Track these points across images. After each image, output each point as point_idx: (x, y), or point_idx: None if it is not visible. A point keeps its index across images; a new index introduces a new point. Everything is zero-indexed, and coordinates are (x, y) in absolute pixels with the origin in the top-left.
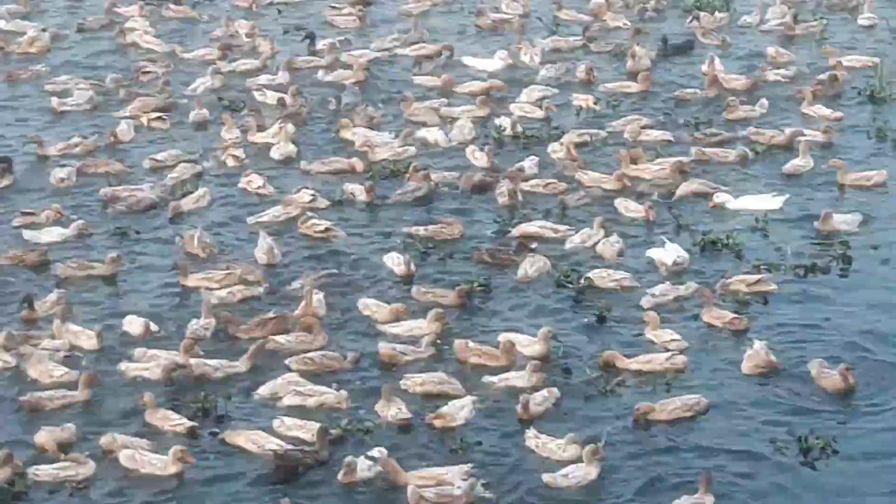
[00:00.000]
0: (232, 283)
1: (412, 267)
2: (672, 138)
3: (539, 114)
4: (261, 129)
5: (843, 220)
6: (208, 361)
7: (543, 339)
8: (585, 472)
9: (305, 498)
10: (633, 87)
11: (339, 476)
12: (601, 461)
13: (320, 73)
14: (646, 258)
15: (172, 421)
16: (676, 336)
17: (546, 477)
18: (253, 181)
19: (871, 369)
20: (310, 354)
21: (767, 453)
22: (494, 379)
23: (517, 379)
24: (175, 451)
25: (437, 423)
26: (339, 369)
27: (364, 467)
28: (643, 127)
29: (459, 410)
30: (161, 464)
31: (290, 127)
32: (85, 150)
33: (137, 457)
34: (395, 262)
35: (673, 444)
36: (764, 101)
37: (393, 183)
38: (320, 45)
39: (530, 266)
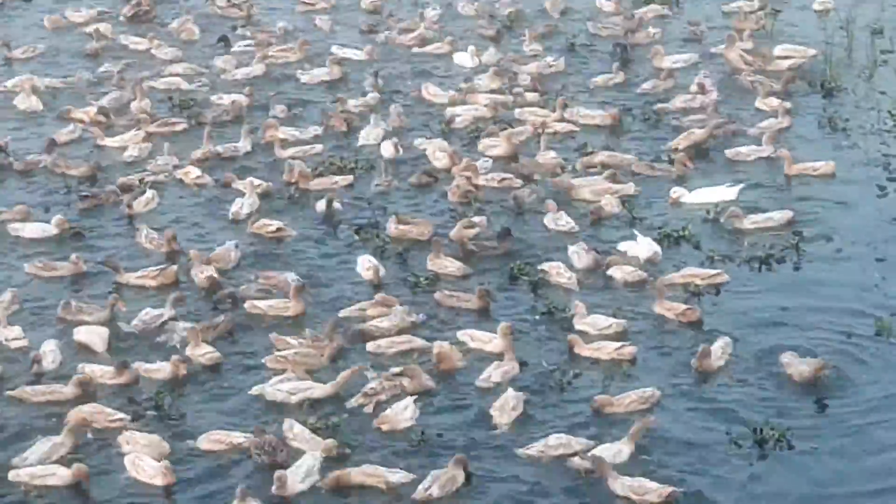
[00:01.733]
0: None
1: (381, 273)
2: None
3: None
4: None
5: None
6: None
7: (503, 334)
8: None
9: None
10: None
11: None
12: None
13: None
14: (616, 251)
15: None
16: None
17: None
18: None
19: (830, 360)
20: (284, 353)
21: (721, 446)
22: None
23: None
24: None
25: (384, 426)
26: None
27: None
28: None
29: (403, 411)
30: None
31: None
32: None
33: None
34: (364, 266)
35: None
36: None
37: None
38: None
39: None
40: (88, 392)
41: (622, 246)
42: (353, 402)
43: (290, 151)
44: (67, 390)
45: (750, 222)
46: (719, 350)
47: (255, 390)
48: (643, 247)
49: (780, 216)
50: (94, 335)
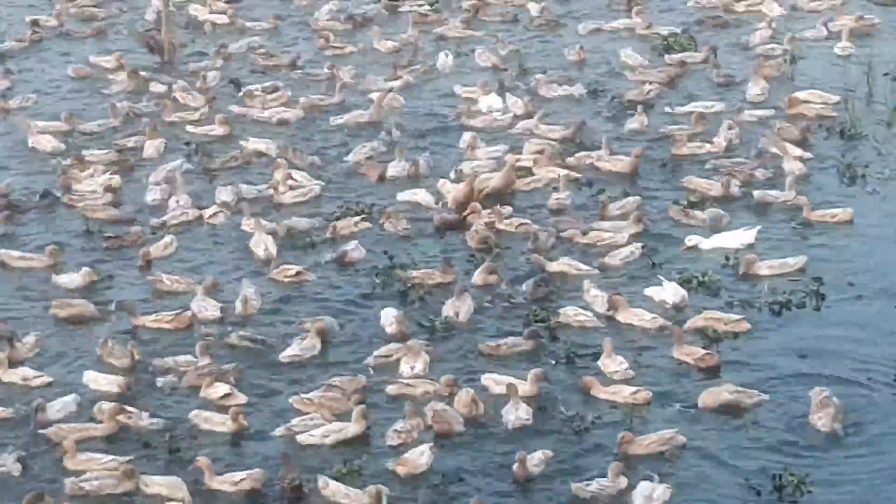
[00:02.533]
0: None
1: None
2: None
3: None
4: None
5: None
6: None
7: (533, 381)
8: None
9: None
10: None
11: None
12: None
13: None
14: (643, 297)
15: None
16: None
17: None
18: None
19: (848, 406)
20: (310, 395)
21: (740, 492)
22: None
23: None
24: None
25: (401, 469)
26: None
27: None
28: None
29: (420, 456)
30: None
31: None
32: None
33: None
34: (388, 320)
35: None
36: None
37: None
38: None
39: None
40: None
41: (648, 291)
42: (390, 440)
43: (291, 195)
44: (102, 427)
45: (766, 267)
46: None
47: (278, 431)
48: (670, 292)
49: (795, 262)
50: (105, 381)
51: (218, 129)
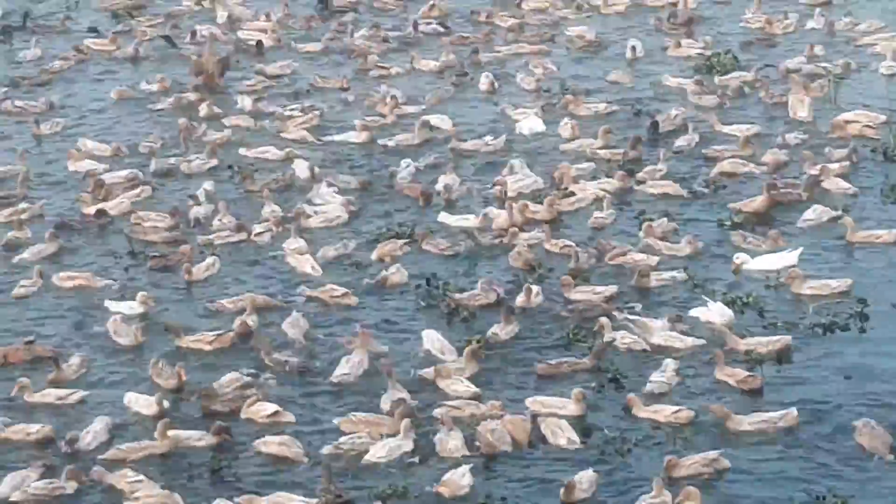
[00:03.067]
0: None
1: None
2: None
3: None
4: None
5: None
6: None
7: (577, 400)
8: None
9: None
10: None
11: None
12: None
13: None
14: (689, 318)
15: None
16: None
17: None
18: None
19: (893, 428)
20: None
21: None
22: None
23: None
24: None
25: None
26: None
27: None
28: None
29: (461, 478)
30: None
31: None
32: None
33: None
34: (430, 342)
35: None
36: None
37: None
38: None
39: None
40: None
41: (694, 312)
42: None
43: (316, 221)
44: (159, 445)
45: (808, 287)
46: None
47: (326, 450)
48: (716, 313)
49: (838, 284)
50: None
51: (274, 152)
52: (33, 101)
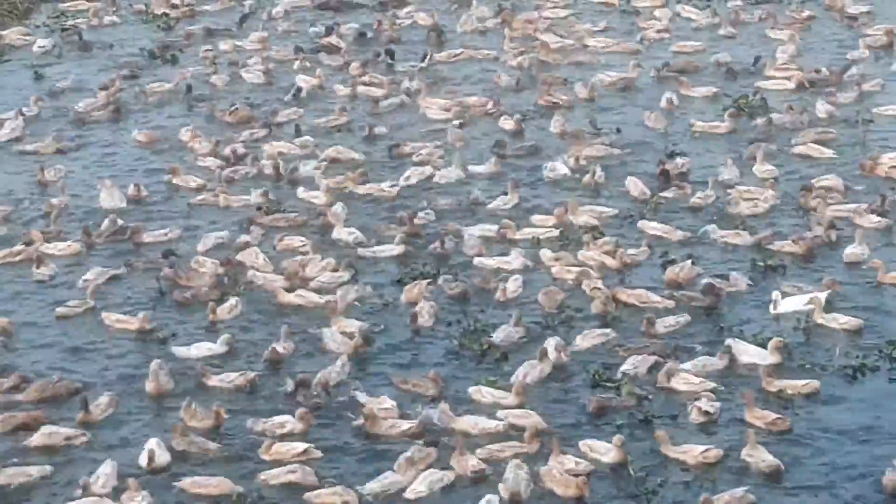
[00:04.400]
0: None
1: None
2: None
3: None
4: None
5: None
6: None
7: (618, 445)
8: None
9: None
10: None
11: None
12: None
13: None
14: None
15: None
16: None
17: None
18: None
19: None
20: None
21: None
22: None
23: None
24: None
25: None
26: None
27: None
28: None
29: None
30: None
31: None
32: None
33: None
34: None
35: None
36: None
37: None
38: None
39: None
40: None
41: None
42: None
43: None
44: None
45: (833, 321)
46: None
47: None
48: (756, 354)
49: (851, 323)
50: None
51: (322, 198)
52: None
